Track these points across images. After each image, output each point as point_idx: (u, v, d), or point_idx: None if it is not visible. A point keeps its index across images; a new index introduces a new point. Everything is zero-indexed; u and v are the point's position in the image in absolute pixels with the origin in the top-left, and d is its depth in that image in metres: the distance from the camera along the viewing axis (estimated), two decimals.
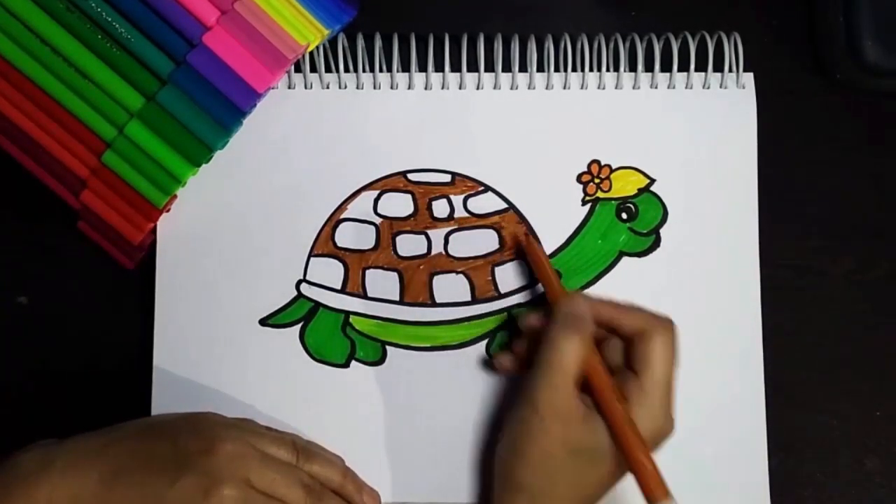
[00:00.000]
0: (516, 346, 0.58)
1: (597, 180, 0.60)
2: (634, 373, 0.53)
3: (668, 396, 0.53)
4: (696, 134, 0.60)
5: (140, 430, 0.52)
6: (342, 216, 0.60)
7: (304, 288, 0.59)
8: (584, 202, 0.60)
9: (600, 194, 0.60)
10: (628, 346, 0.54)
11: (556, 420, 0.52)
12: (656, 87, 0.61)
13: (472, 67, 0.60)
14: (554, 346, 0.53)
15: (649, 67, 0.60)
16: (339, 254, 0.60)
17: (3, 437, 0.59)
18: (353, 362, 0.59)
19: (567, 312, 0.54)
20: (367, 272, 0.60)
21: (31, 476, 0.49)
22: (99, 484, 0.49)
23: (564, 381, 0.52)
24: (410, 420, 0.59)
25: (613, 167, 0.60)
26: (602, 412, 0.52)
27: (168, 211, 0.59)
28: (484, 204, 0.60)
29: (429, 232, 0.60)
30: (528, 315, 0.57)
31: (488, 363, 0.59)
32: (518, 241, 0.59)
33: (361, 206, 0.60)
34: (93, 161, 0.55)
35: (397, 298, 0.59)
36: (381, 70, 0.61)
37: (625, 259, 0.60)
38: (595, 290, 0.60)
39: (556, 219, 0.60)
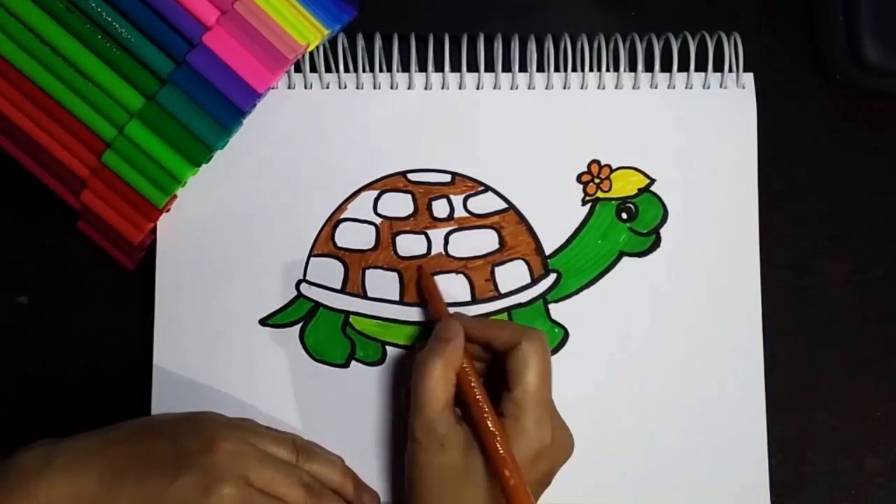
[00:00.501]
0: None
1: (597, 180, 0.60)
2: (508, 388, 0.53)
3: (541, 407, 0.53)
4: (696, 134, 0.60)
5: (140, 429, 0.52)
6: (342, 216, 0.60)
7: (304, 288, 0.59)
8: (584, 202, 0.60)
9: (600, 194, 0.60)
10: (503, 363, 0.54)
11: (434, 444, 0.52)
12: (656, 87, 0.61)
13: (472, 67, 0.60)
14: (418, 371, 0.53)
15: (649, 67, 0.60)
16: (339, 254, 0.60)
17: (3, 436, 0.59)
18: (353, 362, 0.59)
19: (434, 337, 0.55)
20: (367, 272, 0.60)
21: (31, 475, 0.49)
22: (98, 483, 0.49)
23: (433, 404, 0.52)
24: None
25: (613, 167, 0.60)
26: (476, 434, 0.52)
27: (168, 211, 0.59)
28: (484, 204, 0.60)
29: (429, 232, 0.60)
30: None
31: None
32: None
33: (361, 206, 0.60)
34: (93, 161, 0.55)
35: (397, 298, 0.59)
36: (381, 70, 0.61)
37: (625, 259, 0.60)
38: (595, 291, 0.60)
39: (556, 219, 0.60)
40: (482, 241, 0.60)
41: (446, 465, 0.52)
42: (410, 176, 0.60)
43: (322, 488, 0.54)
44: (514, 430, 0.52)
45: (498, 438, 0.52)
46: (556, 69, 0.61)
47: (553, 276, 0.60)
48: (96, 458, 0.50)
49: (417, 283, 0.59)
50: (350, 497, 0.55)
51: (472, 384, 0.53)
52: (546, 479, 0.54)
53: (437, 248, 0.60)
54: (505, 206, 0.60)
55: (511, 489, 0.51)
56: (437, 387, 0.53)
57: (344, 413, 0.59)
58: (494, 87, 0.61)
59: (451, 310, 0.59)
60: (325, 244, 0.60)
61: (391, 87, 0.61)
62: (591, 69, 0.61)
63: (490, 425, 0.52)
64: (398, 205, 0.60)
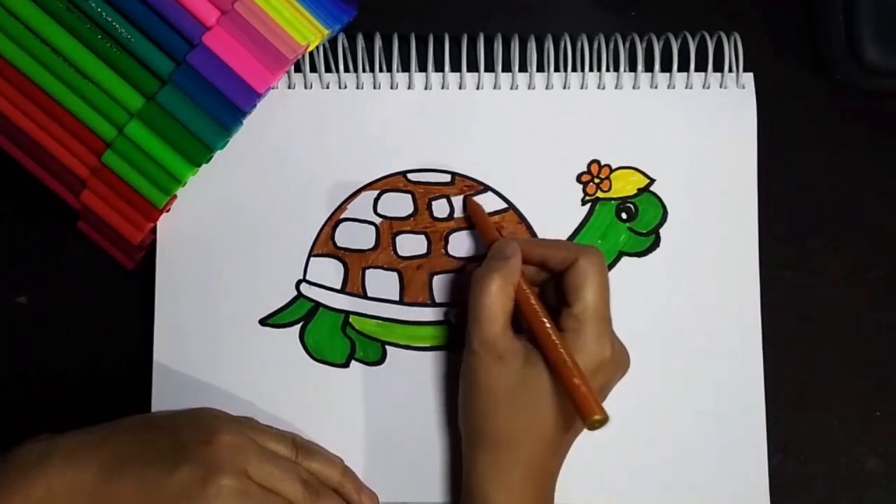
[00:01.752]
0: None
1: (597, 180, 0.60)
2: (567, 304, 0.54)
3: (600, 322, 0.54)
4: (695, 134, 0.60)
5: (139, 423, 0.53)
6: (342, 216, 0.60)
7: (304, 288, 0.59)
8: (583, 202, 0.60)
9: (600, 194, 0.60)
10: (560, 281, 0.55)
11: (492, 357, 0.53)
12: (656, 87, 0.61)
13: (472, 67, 0.60)
14: (477, 287, 0.54)
15: (649, 67, 0.60)
16: (339, 254, 0.60)
17: (3, 436, 0.59)
18: (353, 362, 0.59)
19: (490, 255, 0.56)
20: (367, 272, 0.60)
21: (31, 467, 0.49)
22: (97, 474, 0.49)
23: (492, 318, 0.53)
24: (410, 420, 0.59)
25: (613, 167, 0.60)
26: (538, 347, 0.53)
27: (168, 211, 0.59)
28: (484, 203, 0.60)
29: (429, 232, 0.60)
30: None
31: None
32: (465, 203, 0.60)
33: (361, 206, 0.60)
34: (93, 161, 0.55)
35: (397, 298, 0.59)
36: (381, 70, 0.61)
37: (625, 259, 0.60)
38: None
39: (555, 219, 0.60)
40: (482, 241, 0.60)
41: (505, 376, 0.53)
42: (410, 176, 0.60)
43: (321, 486, 0.54)
44: (574, 343, 0.53)
45: (560, 347, 0.52)
46: (556, 69, 0.61)
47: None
48: (96, 450, 0.50)
49: (428, 279, 0.59)
50: (348, 496, 0.55)
51: (531, 300, 0.54)
52: (602, 394, 0.55)
53: (437, 248, 0.60)
54: (505, 206, 0.60)
55: (581, 396, 0.51)
56: (496, 302, 0.53)
57: (344, 413, 0.59)
58: (494, 87, 0.61)
59: (452, 310, 0.59)
60: (325, 244, 0.60)
61: (391, 87, 0.61)
62: (591, 69, 0.61)
63: (552, 335, 0.53)
64: (398, 205, 0.60)
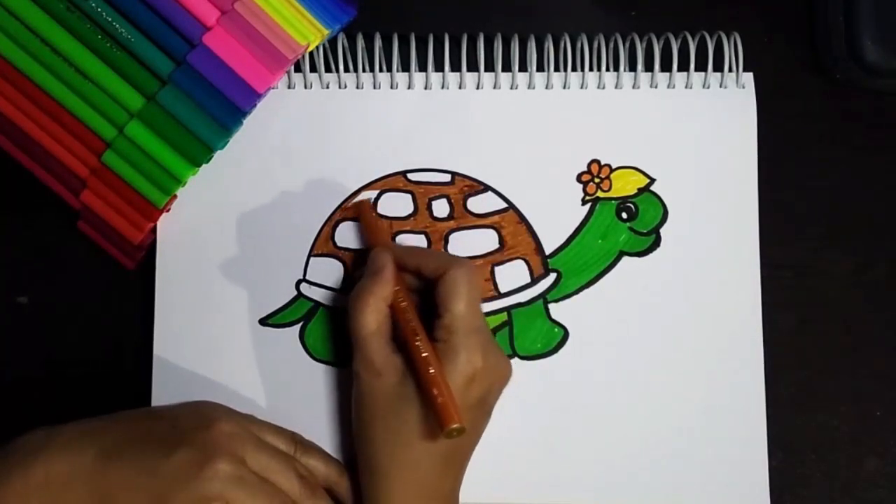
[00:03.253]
0: None
1: (597, 180, 0.60)
2: (439, 316, 0.54)
3: (471, 333, 0.53)
4: (696, 133, 0.60)
5: (140, 413, 0.54)
6: (342, 216, 0.60)
7: (304, 288, 0.59)
8: (584, 202, 0.60)
9: (600, 194, 0.60)
10: (433, 291, 0.55)
11: (371, 375, 0.54)
12: (656, 87, 0.61)
13: (472, 67, 0.60)
14: (351, 309, 0.55)
15: (649, 67, 0.60)
16: (339, 254, 0.60)
17: (3, 436, 0.59)
18: None
19: (366, 268, 0.56)
20: None
21: (30, 455, 0.50)
22: (96, 459, 0.49)
23: (367, 336, 0.54)
24: None
25: (613, 167, 0.60)
26: (408, 360, 0.53)
27: (168, 211, 0.59)
28: (484, 203, 0.60)
29: (429, 231, 0.60)
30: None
31: None
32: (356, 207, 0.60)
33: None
34: (93, 161, 0.55)
35: None
36: (381, 70, 0.61)
37: (625, 259, 0.60)
38: (595, 290, 0.60)
39: (556, 218, 0.60)
40: (482, 241, 0.60)
41: (382, 391, 0.53)
42: (410, 176, 0.60)
43: (317, 483, 0.54)
44: (444, 354, 0.53)
45: (427, 359, 0.52)
46: (556, 69, 0.61)
47: (553, 276, 0.60)
48: (95, 437, 0.50)
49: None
50: (344, 497, 0.56)
51: (404, 311, 0.54)
52: (484, 406, 0.55)
53: (437, 247, 0.60)
54: (505, 205, 0.60)
55: (439, 406, 0.51)
56: (369, 319, 0.54)
57: (344, 413, 0.59)
58: (494, 87, 0.61)
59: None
60: (325, 244, 0.60)
61: (391, 87, 0.61)
62: (590, 69, 0.61)
63: (419, 347, 0.52)
64: (398, 205, 0.60)
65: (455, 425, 0.50)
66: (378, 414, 0.54)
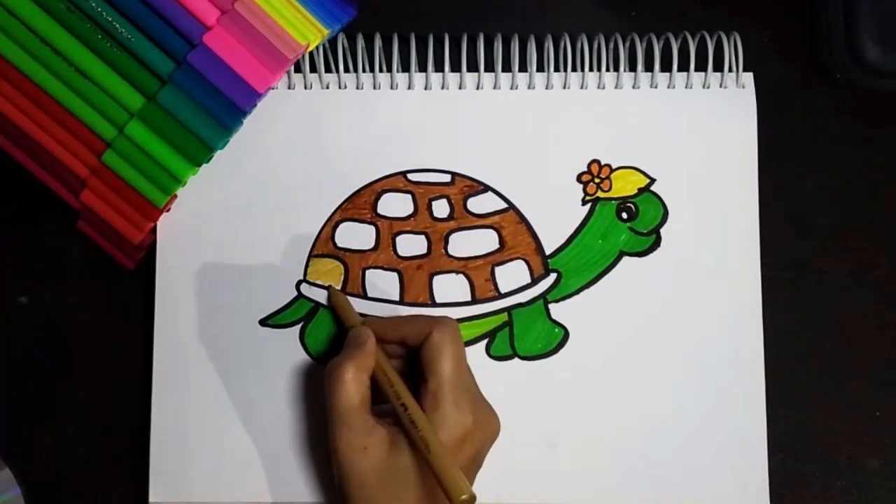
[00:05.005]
0: None
1: (597, 180, 0.60)
2: (425, 381, 0.53)
3: (458, 393, 0.53)
4: (696, 133, 0.60)
5: None
6: (342, 216, 0.60)
7: (304, 288, 0.59)
8: (584, 202, 0.60)
9: (600, 194, 0.60)
10: (418, 356, 0.54)
11: (356, 450, 0.52)
12: (656, 87, 0.61)
13: (472, 67, 0.60)
14: (330, 379, 0.54)
15: (649, 67, 0.60)
16: (339, 254, 0.60)
17: (2, 436, 0.59)
18: None
19: (344, 345, 0.56)
20: (367, 272, 0.60)
21: None
22: None
23: (349, 410, 0.53)
24: None
25: (613, 167, 0.60)
26: (399, 429, 0.52)
27: (168, 211, 0.59)
28: (484, 204, 0.60)
29: (429, 232, 0.60)
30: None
31: (488, 364, 0.59)
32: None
33: (361, 206, 0.60)
34: (93, 161, 0.55)
35: (397, 298, 0.59)
36: (381, 70, 0.61)
37: (625, 259, 0.60)
38: (595, 290, 0.60)
39: (556, 219, 0.60)
40: (482, 241, 0.60)
41: (371, 467, 0.52)
42: (410, 176, 0.60)
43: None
44: (434, 418, 0.52)
45: (419, 428, 0.51)
46: (556, 69, 0.61)
47: (553, 276, 0.60)
48: None
49: (428, 279, 0.59)
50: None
51: (389, 381, 0.54)
52: (476, 462, 0.54)
53: (437, 248, 0.60)
54: (505, 205, 0.60)
55: (444, 477, 0.50)
56: (351, 392, 0.53)
57: None
58: (494, 87, 0.61)
59: (452, 310, 0.59)
60: (325, 244, 0.60)
61: (391, 87, 0.61)
62: (590, 69, 0.61)
63: (411, 417, 0.52)
64: (398, 205, 0.60)
65: (464, 497, 0.49)
66: (371, 494, 0.52)
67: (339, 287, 0.59)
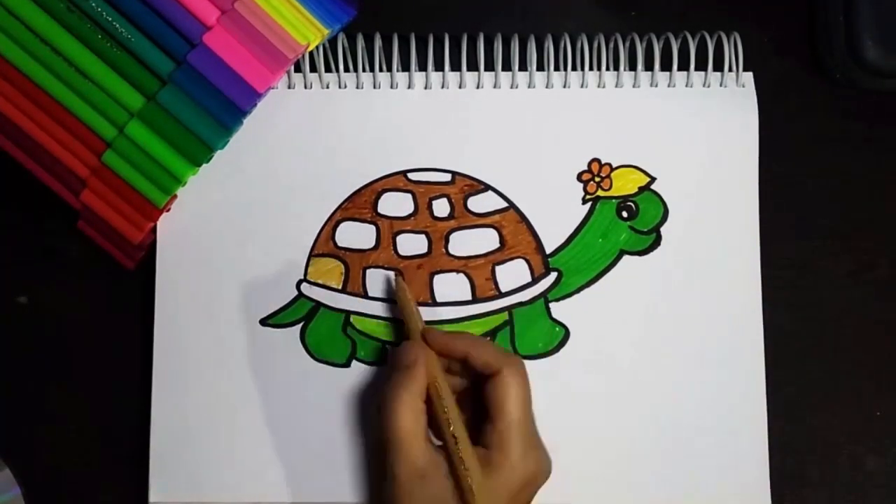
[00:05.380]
0: None
1: (597, 179, 0.60)
2: (490, 416, 0.52)
3: (526, 437, 0.52)
4: (696, 132, 0.60)
5: None
6: (342, 216, 0.60)
7: (305, 288, 0.59)
8: (584, 201, 0.60)
9: (601, 193, 0.60)
10: (481, 381, 0.54)
11: (414, 480, 0.51)
12: (656, 86, 0.61)
13: (472, 67, 0.60)
14: (385, 411, 0.52)
15: (649, 66, 0.60)
16: (339, 254, 0.60)
17: (2, 437, 0.59)
18: (354, 362, 0.59)
19: (393, 365, 0.54)
20: (368, 272, 0.60)
21: None
22: None
23: (408, 440, 0.51)
24: None
25: (614, 166, 0.60)
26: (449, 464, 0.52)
27: (168, 211, 0.59)
28: (484, 203, 0.60)
29: (429, 231, 0.60)
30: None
31: None
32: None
33: (361, 206, 0.60)
34: (93, 161, 0.55)
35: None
36: (381, 70, 0.61)
37: (625, 258, 0.60)
38: (596, 289, 0.60)
39: (556, 217, 0.60)
40: (483, 241, 0.60)
41: (430, 495, 0.51)
42: (410, 175, 0.60)
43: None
44: (499, 462, 0.51)
45: (469, 474, 0.51)
46: (556, 68, 0.61)
47: (554, 275, 0.60)
48: None
49: (428, 278, 0.59)
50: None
51: (443, 404, 0.53)
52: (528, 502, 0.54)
53: (438, 247, 0.60)
54: (505, 205, 0.60)
55: None
56: (406, 418, 0.52)
57: (344, 413, 0.59)
58: (494, 87, 0.61)
59: (452, 309, 0.59)
60: (325, 244, 0.60)
61: (391, 87, 0.61)
62: (591, 68, 0.61)
63: (459, 451, 0.51)
64: (398, 204, 0.60)
65: None
66: None
67: (339, 287, 0.59)
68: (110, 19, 0.54)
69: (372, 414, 0.56)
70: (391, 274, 0.59)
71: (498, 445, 0.52)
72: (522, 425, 0.52)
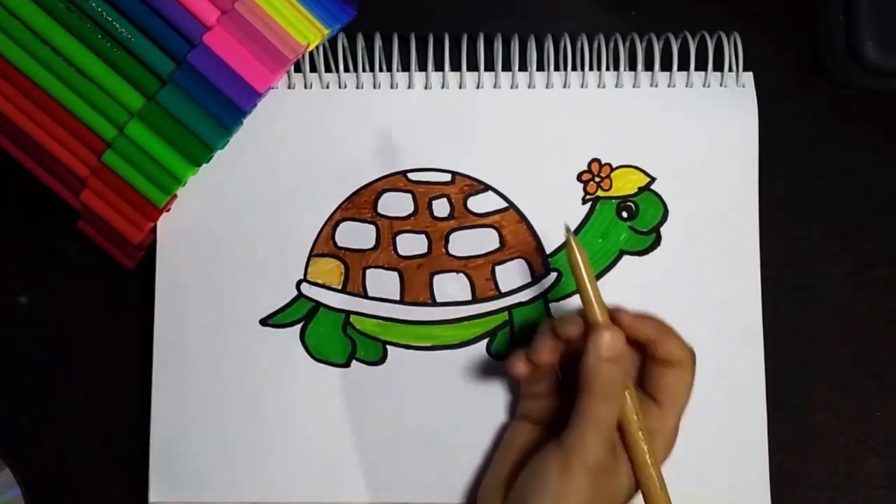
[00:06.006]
0: (538, 351, 0.53)
1: (597, 179, 0.60)
2: (654, 398, 0.53)
3: (680, 422, 0.54)
4: (696, 132, 0.60)
5: None
6: (342, 216, 0.60)
7: (305, 288, 0.59)
8: (584, 201, 0.60)
9: (601, 193, 0.60)
10: (653, 365, 0.53)
11: (585, 473, 0.50)
12: (656, 86, 0.61)
13: (472, 67, 0.60)
14: (591, 403, 0.50)
15: (649, 67, 0.60)
16: (339, 254, 0.60)
17: (2, 437, 0.59)
18: (354, 362, 0.59)
19: (605, 359, 0.50)
20: (368, 272, 0.60)
21: None
22: None
23: (600, 437, 0.51)
24: (410, 420, 0.59)
25: (614, 166, 0.60)
26: (629, 453, 0.52)
27: (168, 210, 0.59)
28: (484, 203, 0.60)
29: (429, 231, 0.60)
30: (566, 323, 0.52)
31: (489, 363, 0.59)
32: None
33: (361, 206, 0.60)
34: (93, 161, 0.55)
35: (398, 298, 0.59)
36: (381, 70, 0.61)
37: (625, 258, 0.60)
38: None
39: (556, 217, 0.60)
40: (482, 240, 0.60)
41: (595, 487, 0.50)
42: (410, 175, 0.60)
43: None
44: (656, 442, 0.53)
45: (652, 463, 0.52)
46: (556, 68, 0.61)
47: (554, 275, 0.60)
48: None
49: (428, 278, 0.59)
50: None
51: (630, 402, 0.52)
52: None
53: (438, 247, 0.60)
54: (505, 205, 0.60)
55: None
56: (609, 420, 0.51)
57: (344, 413, 0.59)
58: (494, 87, 0.61)
59: (452, 309, 0.59)
60: (325, 244, 0.60)
61: (391, 87, 0.61)
62: (591, 68, 0.61)
63: (644, 450, 0.52)
64: (398, 204, 0.60)
65: None
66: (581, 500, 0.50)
67: (339, 287, 0.59)
68: (110, 19, 0.54)
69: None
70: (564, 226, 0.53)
71: (660, 429, 0.53)
72: (682, 411, 0.54)
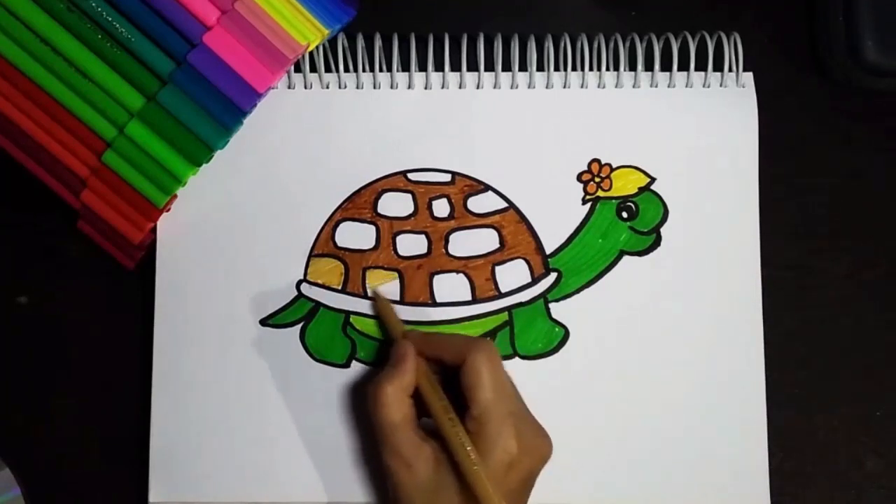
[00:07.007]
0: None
1: (597, 179, 0.60)
2: (467, 407, 0.53)
3: (500, 420, 0.52)
4: (696, 133, 0.60)
5: None
6: (342, 216, 0.60)
7: (305, 288, 0.59)
8: (584, 201, 0.60)
9: (601, 193, 0.60)
10: (459, 377, 0.54)
11: (402, 466, 0.52)
12: (656, 86, 0.61)
13: (472, 67, 0.60)
14: (371, 400, 0.54)
15: (649, 67, 0.60)
16: (339, 254, 0.60)
17: (2, 437, 0.59)
18: (354, 362, 0.59)
19: (389, 360, 0.55)
20: (368, 272, 0.60)
21: None
22: None
23: (392, 429, 0.53)
24: None
25: (614, 166, 0.60)
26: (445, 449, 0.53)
27: (168, 210, 0.59)
28: (484, 203, 0.60)
29: (429, 231, 0.60)
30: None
31: None
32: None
33: (361, 206, 0.60)
34: (93, 161, 0.55)
35: (397, 298, 0.59)
36: (381, 70, 0.61)
37: (625, 258, 0.60)
38: (596, 290, 0.60)
39: (556, 218, 0.60)
40: (482, 241, 0.60)
41: (416, 484, 0.52)
42: (410, 175, 0.60)
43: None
44: (478, 445, 0.52)
45: (468, 449, 0.51)
46: (556, 69, 0.61)
47: (554, 276, 0.60)
48: None
49: (428, 279, 0.59)
50: None
51: (435, 403, 0.53)
52: (525, 487, 0.54)
53: (438, 247, 0.60)
54: (505, 205, 0.60)
55: (478, 494, 0.51)
56: (391, 410, 0.53)
57: (344, 413, 0.59)
58: (494, 87, 0.61)
59: (452, 309, 0.59)
60: (325, 244, 0.60)
61: (391, 87, 0.61)
62: (591, 68, 0.61)
63: (454, 439, 0.52)
64: (398, 204, 0.60)
65: None
66: (415, 502, 0.52)
67: (339, 287, 0.59)
68: (110, 19, 0.54)
69: (366, 410, 0.56)
70: (371, 289, 0.59)
71: (475, 430, 0.52)
72: (494, 407, 0.52)
